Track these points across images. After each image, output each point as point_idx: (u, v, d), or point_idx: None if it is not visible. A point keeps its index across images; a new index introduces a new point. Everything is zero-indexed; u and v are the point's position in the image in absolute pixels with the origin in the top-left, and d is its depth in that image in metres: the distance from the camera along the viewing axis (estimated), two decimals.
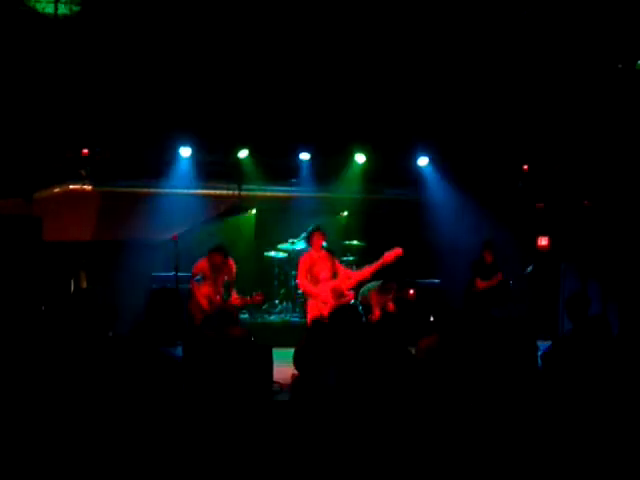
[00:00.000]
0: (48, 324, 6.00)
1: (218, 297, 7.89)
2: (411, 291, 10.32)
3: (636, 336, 4.93)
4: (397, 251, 7.65)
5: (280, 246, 10.39)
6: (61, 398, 3.73)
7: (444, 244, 10.67)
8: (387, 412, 3.86)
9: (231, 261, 8.10)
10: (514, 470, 3.64)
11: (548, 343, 5.06)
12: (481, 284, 9.04)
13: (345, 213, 11.66)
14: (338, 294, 7.49)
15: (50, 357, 4.15)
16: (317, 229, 7.92)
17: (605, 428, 3.83)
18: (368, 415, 3.81)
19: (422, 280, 10.44)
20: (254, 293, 8.03)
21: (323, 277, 7.66)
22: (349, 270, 8.19)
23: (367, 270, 7.84)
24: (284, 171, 10.75)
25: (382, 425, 3.77)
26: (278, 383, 5.77)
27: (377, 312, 7.95)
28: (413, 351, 5.13)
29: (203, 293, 7.93)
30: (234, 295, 8.01)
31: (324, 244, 7.92)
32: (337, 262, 7.87)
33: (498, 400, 4.08)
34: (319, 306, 7.51)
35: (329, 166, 10.69)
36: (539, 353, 4.81)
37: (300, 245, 9.88)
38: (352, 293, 7.77)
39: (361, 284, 8.26)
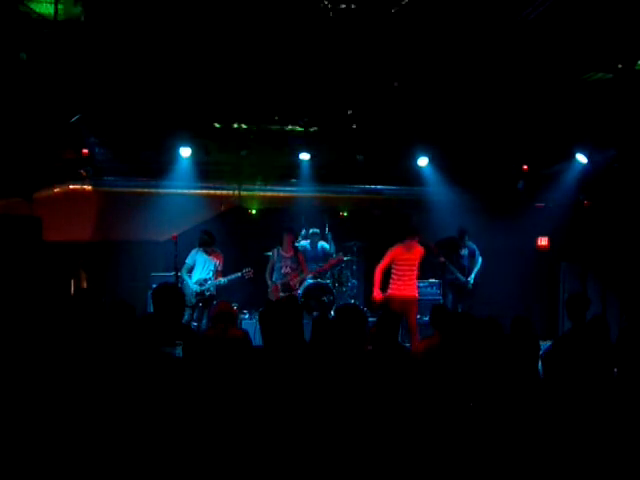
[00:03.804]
0: (48, 324, 6.00)
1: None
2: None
3: (637, 336, 4.92)
4: (340, 258, 9.65)
5: (280, 246, 10.40)
6: (61, 397, 3.73)
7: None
8: (387, 413, 3.86)
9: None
10: (514, 470, 3.65)
11: (548, 343, 5.06)
12: None
13: (345, 213, 11.67)
14: (285, 288, 9.10)
15: (51, 357, 4.15)
16: (286, 230, 9.39)
17: (606, 429, 3.83)
18: (368, 416, 3.81)
19: (422, 281, 10.44)
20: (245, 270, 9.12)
21: (285, 271, 9.18)
22: (305, 269, 9.43)
23: (314, 271, 9.48)
24: (284, 171, 10.75)
25: (382, 426, 3.77)
26: None
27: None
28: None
29: None
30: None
31: (296, 244, 9.50)
32: (302, 260, 9.32)
33: (498, 401, 4.08)
34: (272, 293, 9.18)
35: (329, 166, 10.69)
36: (540, 353, 4.81)
37: (300, 245, 9.92)
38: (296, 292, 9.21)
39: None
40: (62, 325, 4.63)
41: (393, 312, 5.10)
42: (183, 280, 8.97)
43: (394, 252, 8.89)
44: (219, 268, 9.04)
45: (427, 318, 8.81)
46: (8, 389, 3.80)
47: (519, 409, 3.95)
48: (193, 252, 9.05)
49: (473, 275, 9.63)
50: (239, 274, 9.10)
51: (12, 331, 5.77)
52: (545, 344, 5.18)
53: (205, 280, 8.95)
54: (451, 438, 3.77)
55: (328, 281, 10.25)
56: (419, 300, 9.15)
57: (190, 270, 9.01)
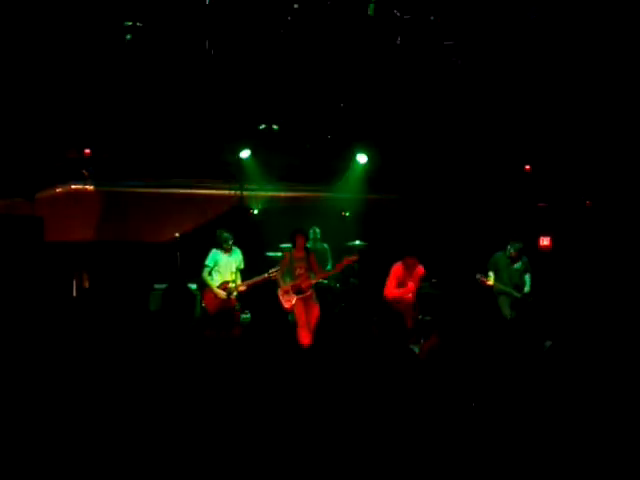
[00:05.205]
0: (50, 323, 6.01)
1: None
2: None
3: (637, 335, 4.92)
4: (354, 258, 9.13)
5: (281, 246, 10.40)
6: (62, 397, 3.73)
7: (445, 244, 10.66)
8: (389, 413, 3.86)
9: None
10: (517, 469, 3.64)
11: (550, 343, 5.05)
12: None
13: (347, 213, 11.67)
14: (297, 290, 8.73)
15: (52, 357, 4.15)
16: (299, 231, 8.96)
17: (609, 429, 3.83)
18: (370, 417, 3.80)
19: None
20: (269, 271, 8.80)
21: (298, 273, 8.79)
22: (318, 269, 9.03)
23: (326, 273, 9.46)
24: (286, 171, 10.75)
25: (384, 426, 3.77)
26: None
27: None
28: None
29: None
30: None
31: (307, 245, 9.07)
32: (313, 260, 8.93)
33: (500, 401, 4.07)
34: (282, 296, 8.79)
35: (331, 166, 10.69)
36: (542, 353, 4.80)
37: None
38: (312, 291, 8.85)
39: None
40: (63, 325, 4.64)
41: (393, 311, 5.08)
42: (206, 284, 8.61)
43: (396, 271, 8.83)
44: (240, 266, 8.74)
45: (428, 318, 8.83)
46: (11, 389, 3.80)
47: (521, 409, 3.95)
48: (212, 253, 8.65)
49: (528, 287, 8.75)
50: (265, 275, 8.69)
51: (14, 331, 5.78)
52: (547, 344, 5.16)
53: (229, 283, 8.65)
54: (453, 438, 3.77)
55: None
56: (419, 300, 9.14)
57: (210, 272, 8.62)
